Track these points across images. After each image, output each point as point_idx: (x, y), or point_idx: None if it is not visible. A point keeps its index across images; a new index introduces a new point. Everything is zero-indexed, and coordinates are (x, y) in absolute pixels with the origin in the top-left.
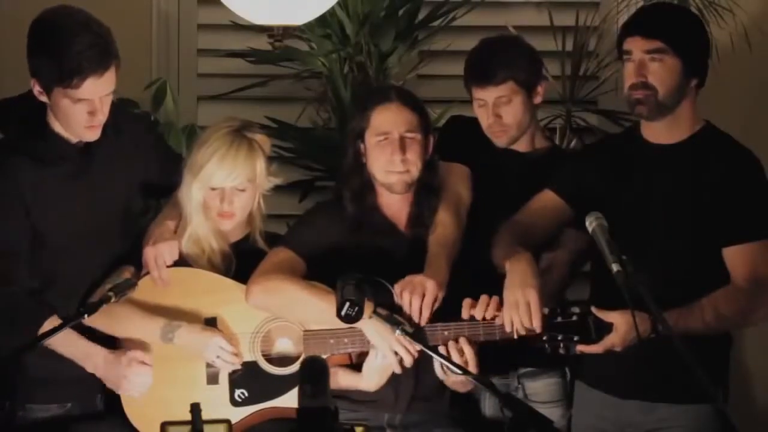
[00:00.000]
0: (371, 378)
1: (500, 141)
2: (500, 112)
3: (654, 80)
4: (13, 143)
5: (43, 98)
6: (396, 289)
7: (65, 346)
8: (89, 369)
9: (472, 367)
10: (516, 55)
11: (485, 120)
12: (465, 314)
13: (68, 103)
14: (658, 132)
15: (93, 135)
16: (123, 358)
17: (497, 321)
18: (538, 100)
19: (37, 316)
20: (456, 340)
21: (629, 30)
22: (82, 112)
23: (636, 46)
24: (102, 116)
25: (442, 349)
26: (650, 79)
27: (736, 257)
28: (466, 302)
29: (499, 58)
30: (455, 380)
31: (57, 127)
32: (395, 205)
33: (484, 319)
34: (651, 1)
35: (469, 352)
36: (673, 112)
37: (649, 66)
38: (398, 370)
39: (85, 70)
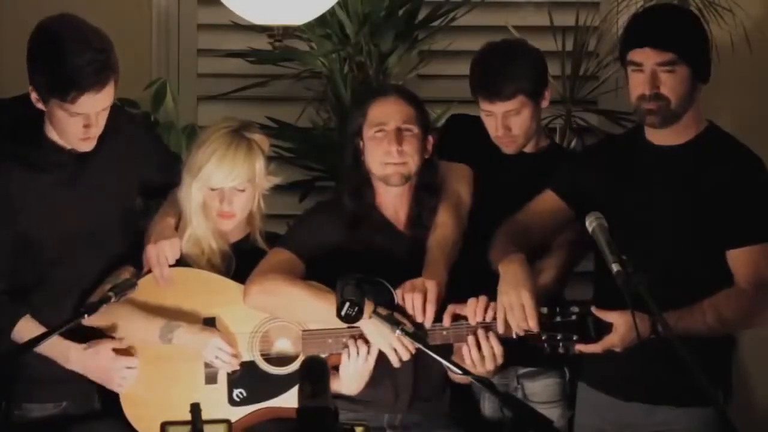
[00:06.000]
0: (349, 383)
1: (509, 150)
2: (509, 124)
3: (666, 91)
4: (6, 148)
5: (40, 106)
6: (398, 293)
7: (43, 346)
8: (69, 366)
9: (500, 359)
10: (524, 65)
11: (493, 130)
12: (446, 321)
13: (64, 115)
14: (662, 134)
15: (88, 146)
16: (99, 348)
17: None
18: (545, 104)
19: (9, 316)
20: (475, 335)
21: (637, 41)
22: (78, 124)
23: (647, 57)
24: (97, 129)
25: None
26: (663, 90)
27: (739, 259)
28: (449, 308)
29: (508, 71)
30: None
31: (52, 134)
32: (393, 204)
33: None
34: (651, 1)
35: (496, 345)
36: (683, 117)
37: (661, 77)
38: (397, 365)
39: (82, 86)
